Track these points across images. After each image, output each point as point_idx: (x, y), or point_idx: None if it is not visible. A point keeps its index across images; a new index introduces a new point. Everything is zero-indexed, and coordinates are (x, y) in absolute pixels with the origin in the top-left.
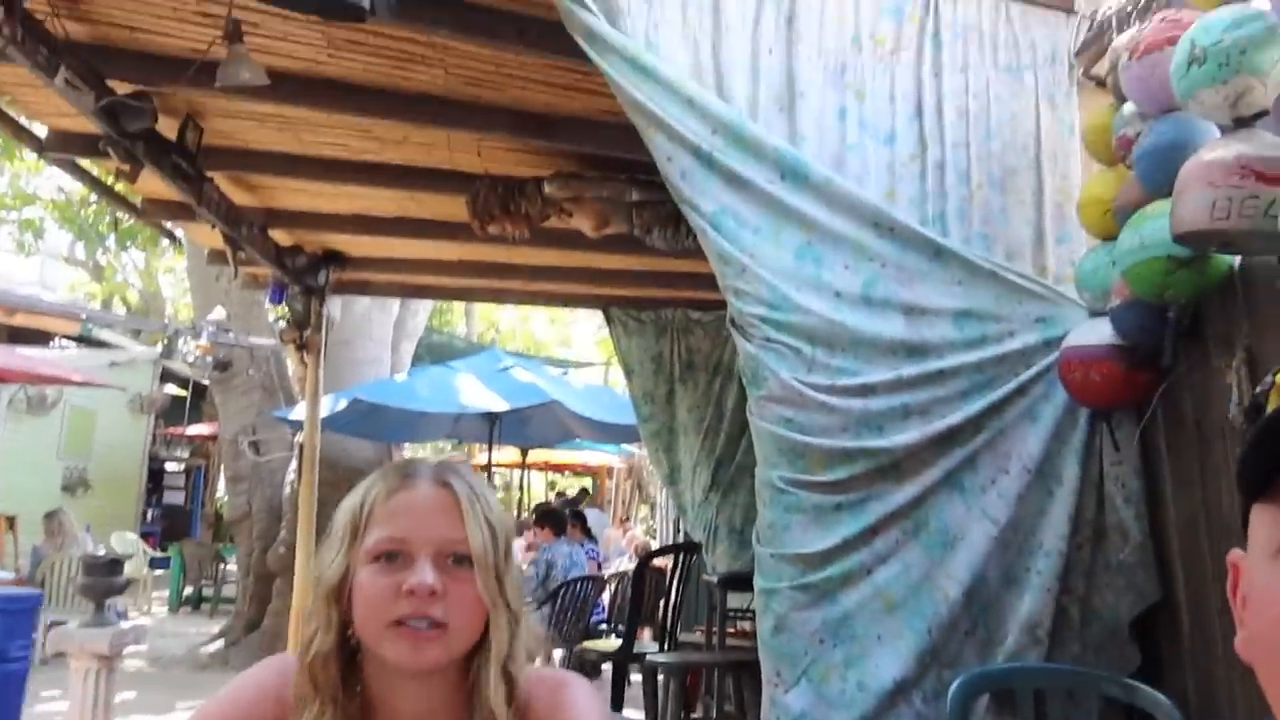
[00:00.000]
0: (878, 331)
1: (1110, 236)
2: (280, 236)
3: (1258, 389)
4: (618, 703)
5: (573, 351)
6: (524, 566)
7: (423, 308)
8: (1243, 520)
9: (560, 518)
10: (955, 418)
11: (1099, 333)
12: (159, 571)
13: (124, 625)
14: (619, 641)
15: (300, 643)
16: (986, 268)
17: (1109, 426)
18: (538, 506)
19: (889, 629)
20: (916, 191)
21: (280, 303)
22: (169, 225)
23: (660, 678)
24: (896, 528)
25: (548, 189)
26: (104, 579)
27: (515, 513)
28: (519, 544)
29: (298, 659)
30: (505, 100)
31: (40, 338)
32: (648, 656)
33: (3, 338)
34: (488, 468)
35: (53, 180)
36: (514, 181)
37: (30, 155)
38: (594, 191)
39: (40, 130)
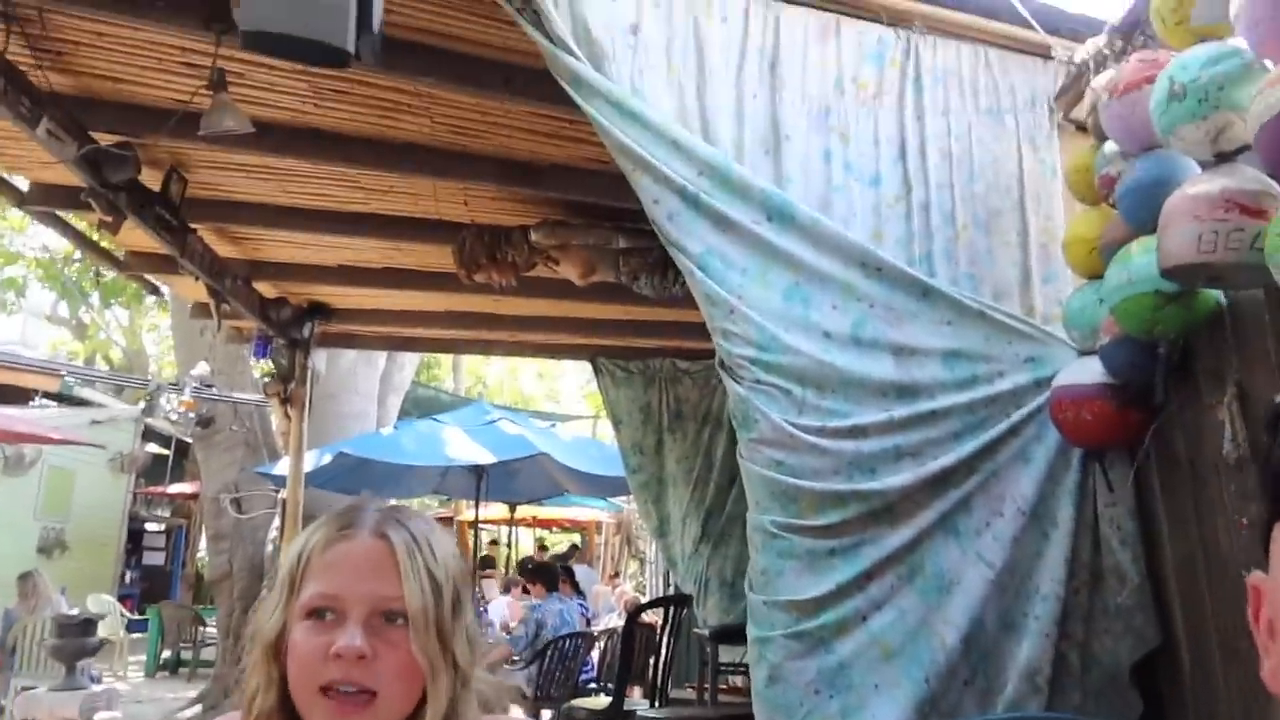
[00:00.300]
0: (867, 372)
1: (1096, 275)
2: (265, 288)
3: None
4: None
5: (560, 406)
6: (512, 624)
7: (409, 362)
8: (1263, 540)
9: (552, 573)
10: (948, 459)
11: (1089, 371)
12: (136, 635)
13: (96, 689)
14: (608, 700)
15: (244, 701)
16: (975, 307)
17: (1102, 467)
18: (523, 561)
19: (886, 678)
20: (903, 232)
21: (265, 357)
22: (151, 278)
23: None
24: (891, 573)
25: (534, 236)
26: (76, 640)
27: (504, 569)
28: (504, 601)
29: (241, 717)
30: (491, 149)
31: (19, 396)
32: (638, 714)
33: None
34: (475, 523)
35: (36, 239)
36: (500, 230)
37: (14, 213)
38: (580, 239)
39: (21, 183)
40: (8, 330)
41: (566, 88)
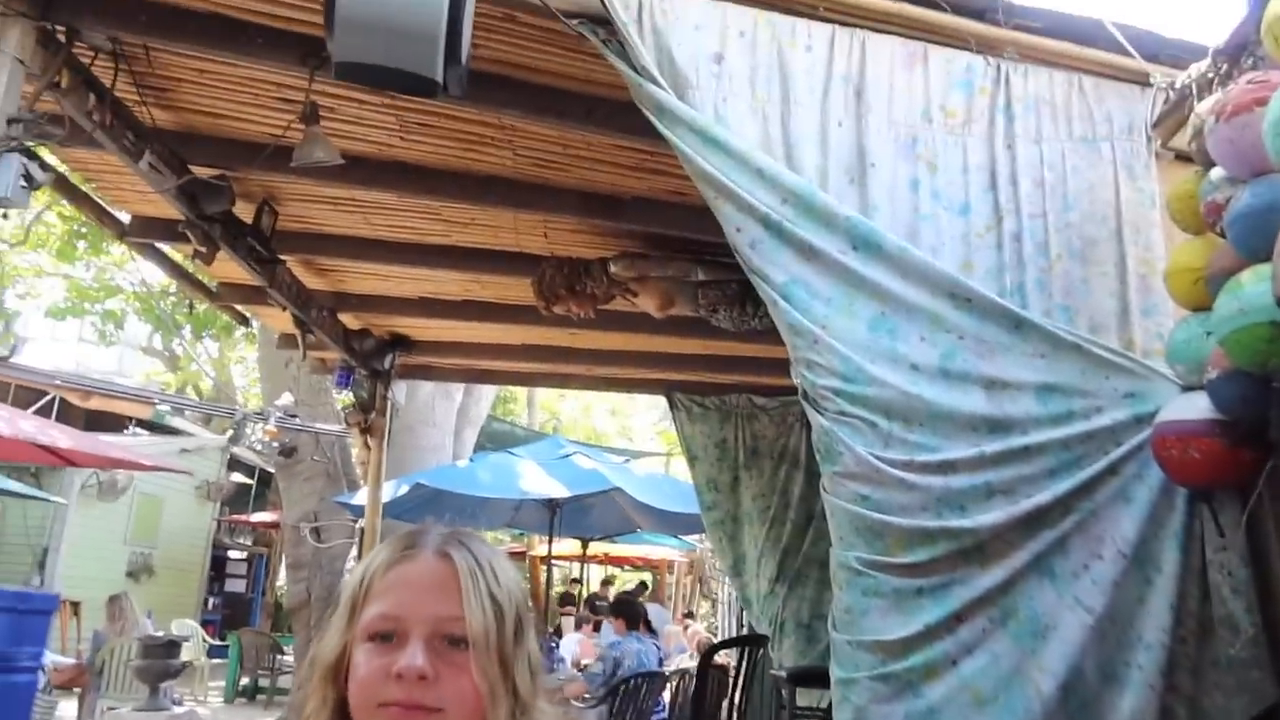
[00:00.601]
0: (957, 405)
1: (1201, 307)
2: (349, 320)
3: None
4: None
5: (633, 442)
6: (584, 661)
7: (485, 395)
8: None
9: (636, 611)
10: (1043, 497)
11: (1196, 407)
12: (217, 660)
13: (178, 711)
14: None
15: None
16: (1070, 340)
17: (1211, 509)
18: (591, 598)
19: None
20: (993, 263)
21: (347, 387)
22: (241, 309)
23: None
24: (983, 615)
25: (613, 269)
26: (160, 661)
27: (576, 607)
28: (576, 638)
29: None
30: (572, 181)
31: (115, 423)
32: None
33: (80, 423)
34: (548, 559)
35: (135, 274)
36: (580, 262)
37: (116, 249)
38: (659, 271)
39: (124, 217)
40: (106, 360)
41: (650, 117)
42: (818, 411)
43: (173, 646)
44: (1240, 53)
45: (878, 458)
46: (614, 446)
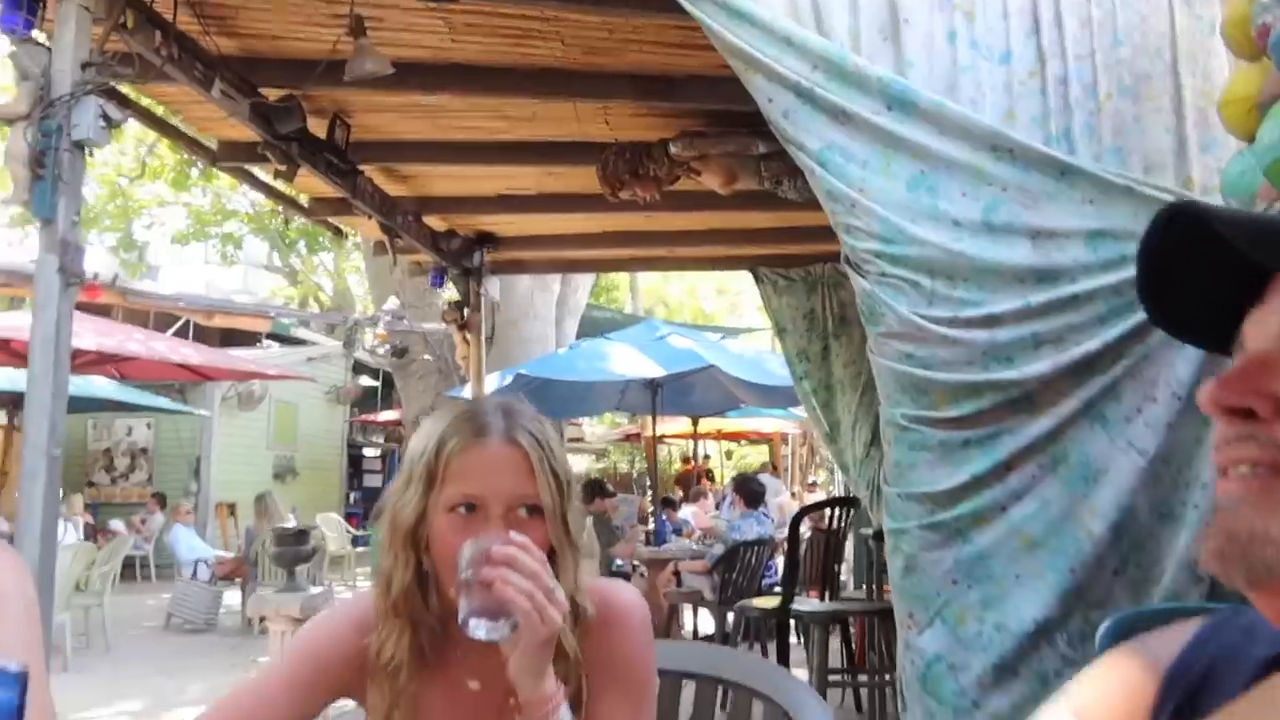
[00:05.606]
0: (1001, 259)
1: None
2: (434, 222)
3: None
4: (782, 657)
5: (742, 320)
6: (696, 531)
7: (583, 284)
8: None
9: (756, 492)
10: (1093, 345)
11: None
12: (361, 549)
13: (314, 590)
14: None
15: (379, 576)
16: (1120, 183)
17: None
18: (736, 477)
19: (1028, 568)
20: (1038, 110)
21: (441, 286)
22: (333, 221)
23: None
24: (1032, 463)
25: (673, 149)
26: (292, 548)
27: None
28: (691, 509)
29: (376, 592)
30: (625, 65)
31: (248, 339)
32: (792, 608)
33: (215, 341)
34: (653, 439)
35: (247, 196)
36: (641, 146)
37: (224, 175)
38: (719, 148)
39: (211, 143)
40: (232, 280)
41: None
42: (860, 275)
43: (302, 535)
44: None
45: (921, 316)
46: (721, 326)
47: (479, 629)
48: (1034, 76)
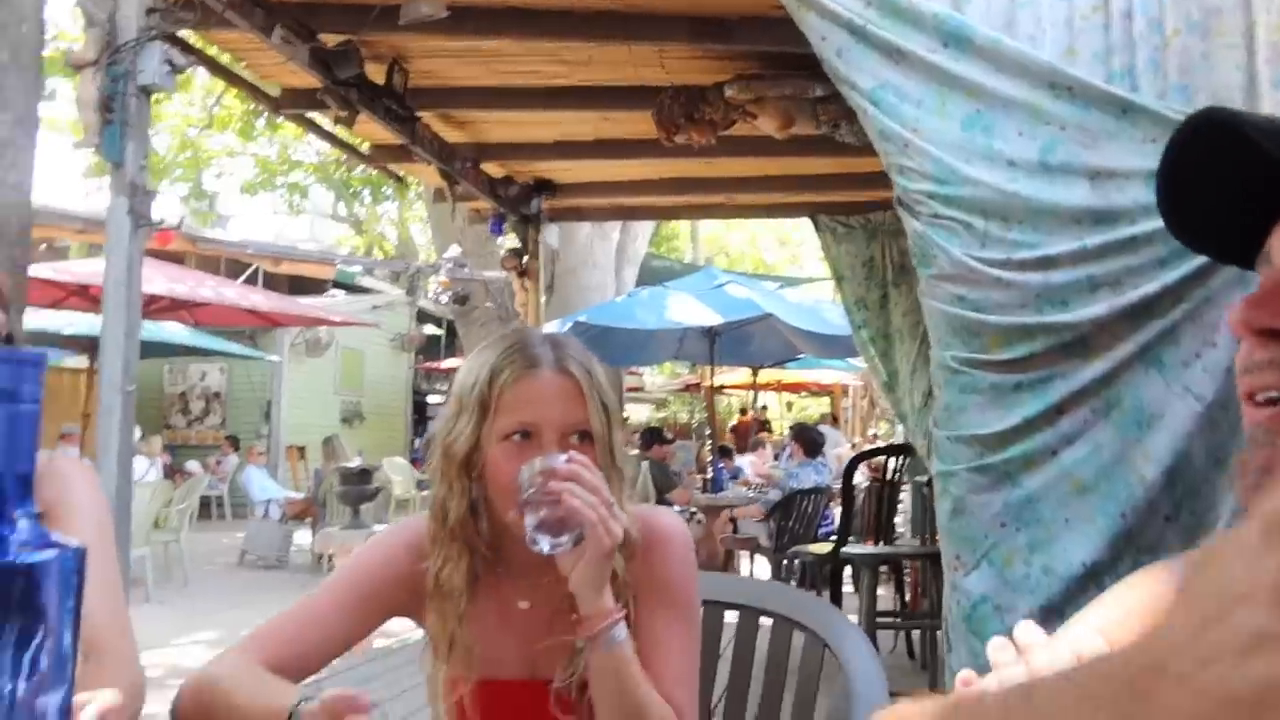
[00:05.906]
0: (1058, 200)
1: None
2: (492, 169)
3: None
4: (835, 602)
5: (803, 270)
6: (753, 480)
7: (642, 233)
8: None
9: (815, 441)
10: (1151, 288)
11: None
12: (426, 492)
13: (377, 528)
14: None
15: (433, 504)
16: None
17: None
18: (795, 426)
19: (1078, 512)
20: (1100, 46)
21: (500, 233)
22: (393, 168)
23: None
24: (1085, 406)
25: (729, 92)
26: (356, 486)
27: (753, 432)
28: (750, 459)
29: (431, 518)
30: (680, 7)
31: (315, 287)
32: (842, 551)
33: (284, 289)
34: (711, 388)
35: (313, 145)
36: (696, 89)
37: (291, 125)
38: (775, 90)
39: (273, 91)
40: (299, 229)
41: None
42: (913, 216)
43: (365, 474)
44: None
45: (974, 258)
46: (783, 275)
47: (544, 543)
48: (1097, 11)
